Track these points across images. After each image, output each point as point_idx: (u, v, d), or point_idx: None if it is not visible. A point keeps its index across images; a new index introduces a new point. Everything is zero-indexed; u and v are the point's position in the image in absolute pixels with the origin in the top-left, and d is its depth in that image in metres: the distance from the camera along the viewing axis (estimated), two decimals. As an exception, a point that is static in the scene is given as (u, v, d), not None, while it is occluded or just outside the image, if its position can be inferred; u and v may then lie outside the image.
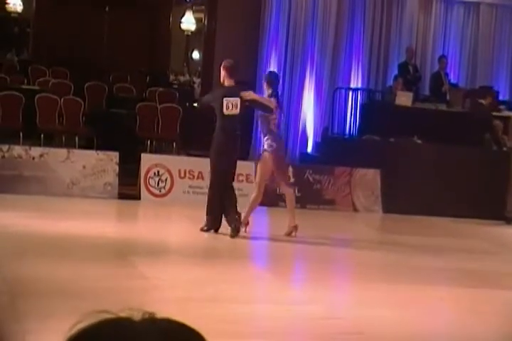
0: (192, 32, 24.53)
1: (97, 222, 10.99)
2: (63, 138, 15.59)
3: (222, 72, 10.87)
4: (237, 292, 7.68)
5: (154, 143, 15.96)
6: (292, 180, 13.30)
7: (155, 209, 13.04)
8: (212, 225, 10.68)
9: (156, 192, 13.38)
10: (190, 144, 15.17)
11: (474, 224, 13.74)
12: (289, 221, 11.00)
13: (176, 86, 22.14)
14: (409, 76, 16.74)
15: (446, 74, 17.14)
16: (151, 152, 15.16)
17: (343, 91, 16.78)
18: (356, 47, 17.36)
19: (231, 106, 10.63)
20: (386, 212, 14.10)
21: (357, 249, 10.71)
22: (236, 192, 10.88)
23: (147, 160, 13.61)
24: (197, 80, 22.56)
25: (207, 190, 11.15)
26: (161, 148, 16.22)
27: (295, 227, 10.96)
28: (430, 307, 7.66)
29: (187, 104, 18.38)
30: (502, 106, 16.63)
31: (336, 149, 15.25)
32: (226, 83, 10.86)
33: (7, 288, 7.12)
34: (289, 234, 10.94)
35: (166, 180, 13.42)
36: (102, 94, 17.58)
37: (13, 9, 23.73)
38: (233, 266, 8.98)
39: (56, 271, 7.82)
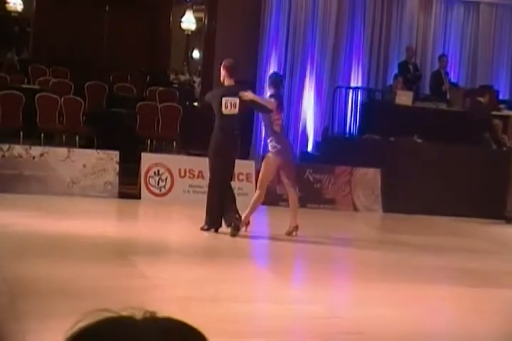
0: (192, 31, 24.54)
1: (97, 221, 10.99)
2: (63, 138, 15.60)
3: (222, 72, 10.86)
4: (238, 291, 7.68)
5: (154, 142, 15.97)
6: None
7: (155, 209, 13.03)
8: (213, 224, 10.68)
9: (157, 191, 13.38)
10: (190, 143, 15.17)
11: (474, 223, 13.74)
12: (291, 220, 11.00)
13: (176, 85, 22.15)
14: (409, 75, 16.74)
15: (447, 74, 17.14)
16: (151, 151, 15.17)
17: (343, 90, 16.78)
18: (356, 47, 17.36)
19: (230, 105, 10.62)
20: (386, 211, 14.10)
21: (357, 248, 10.71)
22: (236, 191, 10.87)
23: (147, 159, 13.61)
24: (197, 79, 22.58)
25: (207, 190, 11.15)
26: (161, 147, 16.23)
27: (296, 227, 10.96)
28: (431, 306, 7.66)
29: (187, 103, 18.39)
30: (502, 106, 16.63)
31: (336, 148, 15.25)
32: (226, 82, 10.86)
33: (7, 288, 7.11)
34: (289, 234, 10.94)
35: (166, 179, 13.42)
36: (102, 94, 17.58)
37: (13, 8, 23.76)
38: (233, 265, 8.98)
39: (56, 271, 7.82)
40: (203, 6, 20.24)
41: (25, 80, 18.56)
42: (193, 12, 24.29)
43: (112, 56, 20.60)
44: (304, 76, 17.03)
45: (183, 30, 24.34)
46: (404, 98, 15.59)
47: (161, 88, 18.57)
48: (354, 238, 11.67)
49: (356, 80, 17.29)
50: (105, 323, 1.15)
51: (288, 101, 16.56)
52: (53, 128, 15.50)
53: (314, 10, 17.02)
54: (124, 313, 1.17)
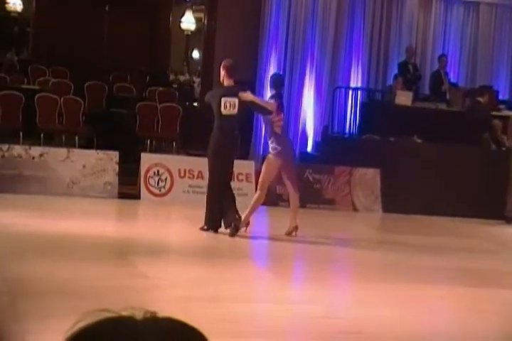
0: (192, 31, 24.54)
1: (97, 221, 10.99)
2: (63, 138, 15.59)
3: (222, 72, 10.86)
4: (238, 291, 7.68)
5: (154, 142, 15.97)
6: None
7: (155, 209, 13.03)
8: (212, 225, 10.68)
9: (156, 191, 13.38)
10: (190, 144, 15.17)
11: (474, 223, 13.74)
12: (290, 221, 11.00)
13: (175, 85, 22.17)
14: (409, 75, 16.74)
15: (446, 74, 17.14)
16: (150, 151, 15.17)
17: (343, 90, 16.78)
18: (356, 47, 17.36)
19: (229, 105, 10.62)
20: (386, 211, 14.10)
21: (357, 249, 10.72)
22: (236, 191, 10.86)
23: (147, 159, 13.62)
24: (197, 80, 22.58)
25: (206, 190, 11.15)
26: (160, 147, 16.23)
27: (295, 227, 10.96)
28: (430, 306, 7.66)
29: (187, 103, 18.40)
30: (501, 106, 16.63)
31: (336, 148, 15.25)
32: (225, 83, 10.85)
33: (7, 288, 7.11)
34: (289, 234, 10.95)
35: (165, 179, 13.42)
36: (102, 94, 17.59)
37: (13, 9, 23.77)
38: (233, 265, 8.98)
39: (56, 271, 7.82)
40: (203, 6, 20.24)
41: (25, 80, 18.57)
42: (193, 12, 24.29)
43: (112, 56, 20.60)
44: (304, 76, 17.03)
45: (183, 31, 24.35)
46: (403, 98, 15.59)
47: (160, 88, 18.58)
48: (354, 238, 11.67)
49: (356, 80, 17.29)
50: (105, 323, 1.15)
51: (288, 101, 16.55)
52: (53, 129, 15.50)
53: (314, 10, 17.02)
54: (124, 313, 1.18)
